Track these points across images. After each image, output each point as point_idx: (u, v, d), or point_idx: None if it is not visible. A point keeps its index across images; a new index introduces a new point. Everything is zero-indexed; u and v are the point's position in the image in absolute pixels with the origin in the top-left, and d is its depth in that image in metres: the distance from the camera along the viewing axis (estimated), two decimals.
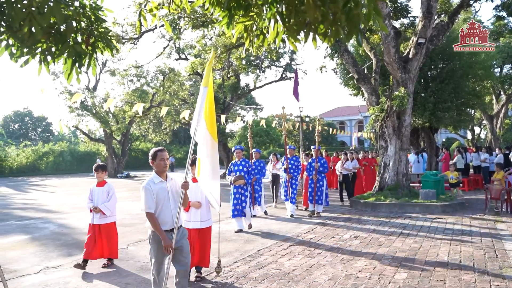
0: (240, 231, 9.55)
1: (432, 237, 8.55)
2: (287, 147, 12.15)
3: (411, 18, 16.73)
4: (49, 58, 2.31)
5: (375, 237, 8.66)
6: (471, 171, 20.69)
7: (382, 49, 13.98)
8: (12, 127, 68.40)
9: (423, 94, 18.85)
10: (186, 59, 28.30)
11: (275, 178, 13.61)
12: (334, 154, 20.89)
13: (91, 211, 6.90)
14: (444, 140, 53.24)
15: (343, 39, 1.72)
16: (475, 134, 44.75)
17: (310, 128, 28.28)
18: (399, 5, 15.86)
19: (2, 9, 1.88)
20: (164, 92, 32.34)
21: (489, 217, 10.76)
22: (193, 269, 5.99)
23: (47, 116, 72.23)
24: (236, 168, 10.06)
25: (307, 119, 34.43)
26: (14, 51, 2.20)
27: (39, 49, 2.23)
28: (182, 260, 4.71)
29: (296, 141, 40.51)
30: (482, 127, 45.92)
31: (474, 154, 20.37)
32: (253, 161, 11.47)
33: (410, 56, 13.38)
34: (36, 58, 2.29)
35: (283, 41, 1.85)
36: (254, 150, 11.92)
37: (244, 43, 2.42)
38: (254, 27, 2.03)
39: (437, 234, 8.85)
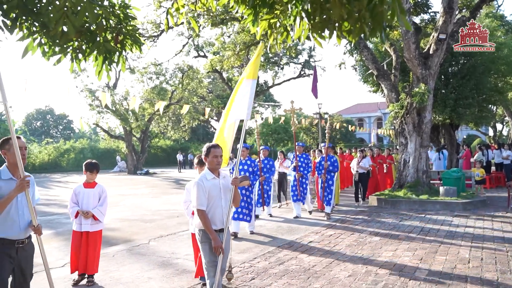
0: (234, 234, 8.45)
1: (453, 234, 8.47)
2: (296, 144, 11.66)
3: (431, 14, 16.53)
4: (80, 56, 2.38)
5: (395, 234, 8.63)
6: (493, 168, 20.37)
7: (402, 45, 13.86)
8: (34, 124, 69.86)
9: (443, 91, 18.60)
10: (204, 56, 28.48)
11: (282, 177, 13.13)
12: (347, 152, 20.53)
13: (76, 215, 5.84)
14: (465, 137, 52.41)
15: (367, 36, 1.75)
16: (497, 131, 43.99)
17: (329, 125, 28.18)
18: (419, 0, 15.67)
19: (37, 10, 1.96)
20: (183, 90, 32.61)
21: (511, 214, 10.60)
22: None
23: (68, 114, 73.49)
24: (240, 167, 9.28)
25: (326, 116, 34.29)
26: (47, 50, 2.28)
27: (70, 48, 2.30)
28: (223, 263, 4.42)
29: (315, 138, 40.40)
30: (504, 123, 45.07)
31: (496, 151, 20.08)
32: (261, 159, 10.81)
33: (431, 52, 13.22)
34: (67, 56, 2.37)
35: (308, 38, 1.89)
36: (262, 147, 11.25)
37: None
38: (278, 24, 2.07)
39: (458, 231, 8.76)
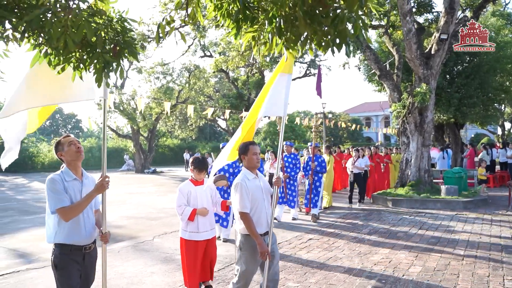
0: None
1: (451, 232, 8.63)
2: (284, 143, 10.45)
3: (434, 14, 16.63)
4: (81, 65, 2.61)
5: (394, 231, 8.80)
6: (498, 167, 20.40)
7: (404, 45, 14.00)
8: (43, 124, 70.53)
9: (448, 90, 18.70)
10: (211, 56, 28.71)
11: (271, 179, 10.84)
12: (346, 151, 19.88)
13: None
14: (472, 136, 52.22)
15: (334, 49, 1.96)
16: (505, 130, 43.79)
17: (332, 125, 28.27)
18: (422, 0, 15.78)
19: (42, 27, 2.20)
20: (189, 89, 32.88)
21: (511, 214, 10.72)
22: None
23: (76, 113, 74.18)
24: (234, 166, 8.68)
25: (330, 115, 34.44)
26: (52, 59, 2.52)
27: (73, 58, 2.54)
28: (273, 268, 4.16)
29: (320, 137, 40.55)
30: None
31: (501, 150, 20.10)
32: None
33: (432, 52, 13.35)
34: (71, 65, 2.61)
35: (282, 50, 2.11)
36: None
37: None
38: (261, 37, 2.28)
39: (457, 229, 8.92)
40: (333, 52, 1.97)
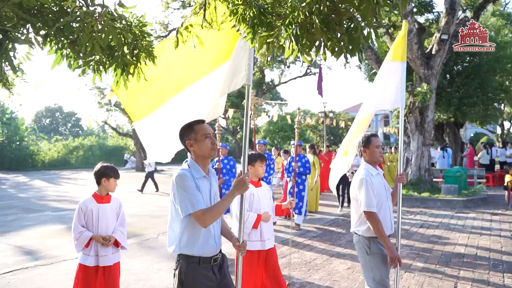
0: None
1: (452, 230, 8.75)
2: (257, 142, 9.53)
3: (435, 14, 16.74)
4: (101, 68, 2.73)
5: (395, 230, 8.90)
6: (497, 166, 20.53)
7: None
8: (43, 122, 70.68)
9: (448, 89, 18.80)
10: None
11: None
12: (335, 150, 19.45)
13: (87, 244, 3.99)
14: (472, 135, 52.36)
15: (348, 55, 2.07)
16: (505, 129, 43.94)
17: (334, 123, 28.42)
18: (423, 0, 15.88)
19: (72, 36, 2.31)
20: None
21: (511, 212, 10.84)
22: None
23: (76, 112, 74.28)
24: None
25: (331, 114, 34.55)
26: (72, 62, 2.64)
27: (93, 61, 2.66)
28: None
29: (321, 136, 40.65)
30: None
31: (501, 149, 20.24)
32: (220, 158, 9.09)
33: (433, 52, 13.46)
34: (90, 68, 2.73)
35: (297, 55, 2.22)
36: (220, 145, 9.12)
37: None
38: (275, 42, 2.39)
39: (457, 228, 9.04)
40: (346, 58, 2.08)
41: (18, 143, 37.33)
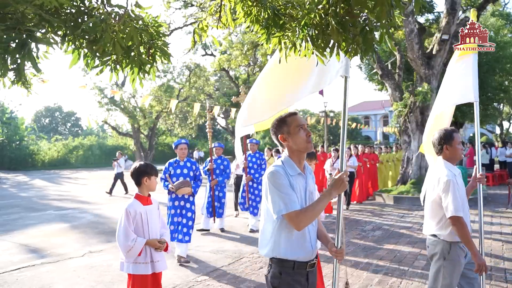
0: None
1: None
2: (248, 140, 9.36)
3: (435, 14, 16.83)
4: (118, 67, 2.80)
5: (397, 228, 9.00)
6: (497, 166, 20.64)
7: (406, 45, 14.19)
8: (43, 121, 70.67)
9: None
10: (212, 55, 28.87)
11: (239, 180, 10.23)
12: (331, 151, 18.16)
13: (140, 252, 3.66)
14: (472, 135, 52.52)
15: (361, 55, 2.14)
16: (504, 129, 44.09)
17: (334, 123, 28.49)
18: (423, 1, 15.97)
19: (93, 38, 2.38)
20: (190, 87, 33.04)
21: (511, 211, 10.93)
22: None
23: (76, 111, 74.29)
24: (178, 171, 6.92)
25: (331, 114, 34.65)
26: (89, 61, 2.71)
27: (110, 61, 2.73)
28: (475, 284, 3.50)
29: (321, 136, 40.74)
30: (511, 122, 45.18)
31: (501, 149, 20.34)
32: (213, 158, 8.89)
33: (434, 52, 13.55)
34: (107, 67, 2.80)
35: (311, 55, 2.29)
36: (215, 144, 9.09)
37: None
38: (288, 42, 2.46)
39: None
40: (361, 59, 2.15)
41: (18, 142, 37.40)
